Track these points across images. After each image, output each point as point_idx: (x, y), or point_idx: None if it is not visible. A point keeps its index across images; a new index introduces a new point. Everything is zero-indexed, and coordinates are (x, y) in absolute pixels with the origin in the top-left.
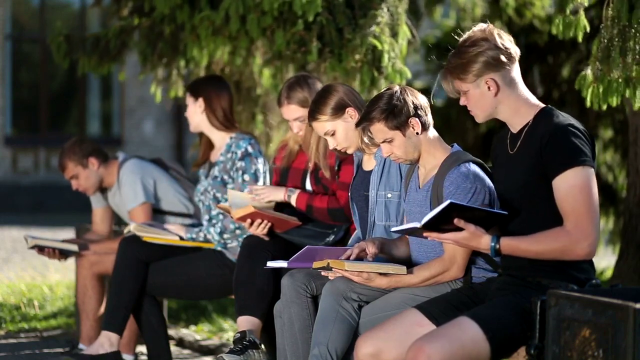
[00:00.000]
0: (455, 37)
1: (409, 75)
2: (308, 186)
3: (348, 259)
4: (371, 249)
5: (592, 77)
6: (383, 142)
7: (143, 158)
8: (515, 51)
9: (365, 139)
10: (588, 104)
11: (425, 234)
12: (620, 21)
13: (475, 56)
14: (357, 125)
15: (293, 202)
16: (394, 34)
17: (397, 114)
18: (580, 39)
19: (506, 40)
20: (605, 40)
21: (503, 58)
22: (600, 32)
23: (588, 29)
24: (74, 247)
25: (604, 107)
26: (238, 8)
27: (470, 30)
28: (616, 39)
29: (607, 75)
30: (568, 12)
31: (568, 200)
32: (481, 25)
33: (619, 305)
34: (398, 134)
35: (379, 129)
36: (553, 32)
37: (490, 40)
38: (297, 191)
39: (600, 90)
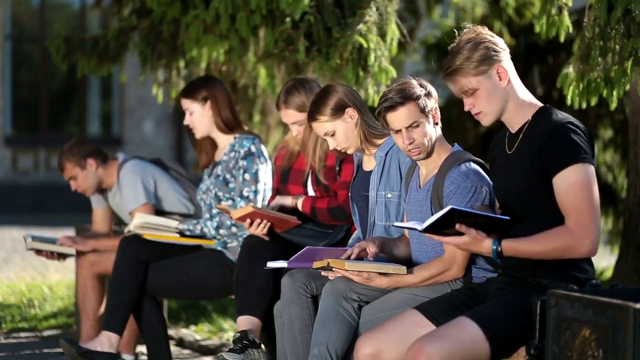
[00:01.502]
0: (449, 40)
1: (394, 74)
2: (309, 186)
3: (348, 258)
4: (372, 249)
5: (573, 75)
6: (408, 126)
7: (143, 158)
8: (507, 49)
9: (363, 130)
10: (569, 102)
11: (427, 236)
12: (600, 21)
13: (477, 47)
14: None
15: (300, 207)
16: (382, 34)
17: (429, 98)
18: (562, 38)
19: (497, 38)
20: (587, 40)
21: (502, 46)
22: (582, 31)
23: (571, 29)
24: (72, 251)
25: (584, 105)
26: (227, 7)
27: (459, 38)
28: (596, 39)
29: (587, 74)
30: (553, 11)
31: (569, 197)
32: (467, 28)
33: (619, 305)
34: (425, 119)
35: (409, 110)
36: (536, 31)
37: (484, 34)
38: (303, 197)
39: (581, 89)
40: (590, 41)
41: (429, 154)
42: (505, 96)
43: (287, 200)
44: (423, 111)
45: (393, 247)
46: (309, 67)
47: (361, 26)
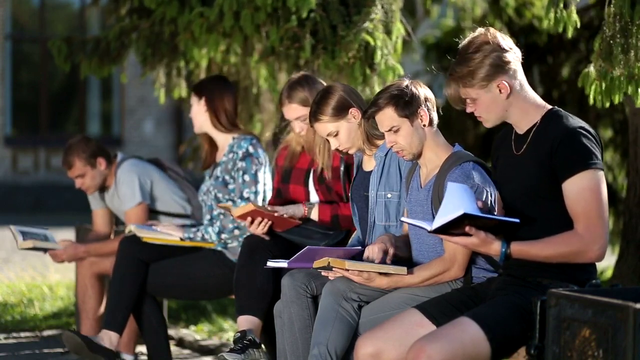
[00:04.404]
0: (456, 39)
1: (401, 72)
2: (311, 185)
3: (358, 259)
4: (392, 251)
5: (594, 74)
6: (389, 130)
7: (141, 158)
8: (519, 52)
9: (366, 130)
10: (591, 101)
11: (434, 235)
12: (622, 18)
13: (482, 61)
14: (365, 113)
15: (314, 216)
16: (388, 31)
17: (408, 101)
18: (570, 34)
19: (508, 41)
20: (607, 38)
21: (509, 58)
22: (602, 29)
23: (578, 25)
24: (59, 246)
25: (607, 104)
26: (232, 4)
27: (471, 36)
28: (618, 36)
29: (610, 72)
30: (561, 5)
31: (579, 203)
32: (481, 30)
33: (619, 305)
34: (406, 123)
35: (388, 116)
36: (544, 26)
37: (494, 43)
38: (316, 204)
39: (603, 87)
40: (611, 38)
41: (415, 156)
42: (506, 106)
43: (299, 210)
44: (404, 115)
45: (403, 246)
46: (313, 65)
47: (367, 24)
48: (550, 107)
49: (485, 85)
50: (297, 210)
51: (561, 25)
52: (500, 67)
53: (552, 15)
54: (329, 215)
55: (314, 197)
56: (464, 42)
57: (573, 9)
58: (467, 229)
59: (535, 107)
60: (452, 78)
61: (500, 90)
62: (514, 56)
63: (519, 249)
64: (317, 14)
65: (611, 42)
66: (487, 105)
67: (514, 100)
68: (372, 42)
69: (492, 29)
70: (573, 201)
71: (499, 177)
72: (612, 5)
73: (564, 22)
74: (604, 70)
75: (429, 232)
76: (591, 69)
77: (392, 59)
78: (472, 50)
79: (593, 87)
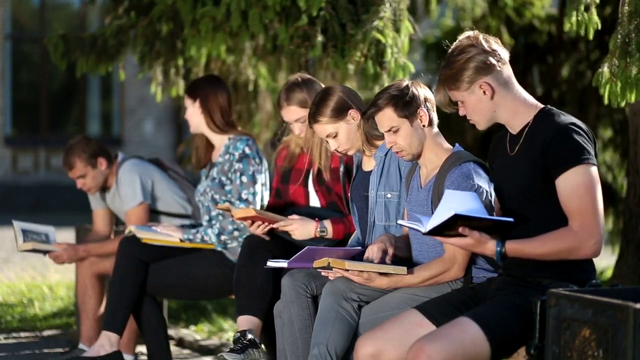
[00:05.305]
0: (444, 42)
1: (412, 69)
2: (310, 186)
3: (360, 260)
4: (391, 251)
5: (609, 74)
6: (388, 130)
7: (142, 158)
8: (505, 53)
9: (365, 131)
10: (606, 101)
11: (430, 237)
12: (638, 16)
13: (465, 63)
14: (364, 113)
15: (329, 235)
16: (397, 29)
17: (407, 102)
18: (591, 36)
19: (493, 44)
20: (622, 36)
21: (493, 61)
22: (617, 28)
23: (599, 26)
24: (58, 249)
25: (623, 104)
26: (240, 3)
27: (457, 40)
28: (634, 34)
29: (625, 71)
30: (582, 8)
31: (573, 199)
32: (466, 33)
33: (619, 305)
34: (405, 123)
35: (387, 116)
36: (565, 29)
37: (477, 46)
38: (329, 225)
39: (619, 87)
40: (626, 37)
41: (415, 156)
42: (492, 107)
43: (310, 231)
44: (403, 115)
45: (403, 247)
46: (322, 64)
47: (377, 22)
48: (542, 106)
49: (469, 87)
50: (309, 229)
51: (583, 28)
52: (482, 69)
53: (574, 19)
54: (342, 234)
55: (313, 197)
56: (452, 46)
57: (594, 10)
58: (460, 229)
59: (527, 107)
60: (439, 81)
61: (484, 92)
62: (499, 57)
63: (514, 247)
64: (326, 13)
65: (626, 40)
66: (473, 107)
67: (500, 100)
68: (382, 40)
69: (477, 32)
70: (567, 197)
71: (495, 177)
72: (626, 4)
73: (585, 24)
74: (620, 70)
75: (423, 234)
76: (605, 69)
77: (402, 57)
78: (456, 53)
79: (608, 87)
